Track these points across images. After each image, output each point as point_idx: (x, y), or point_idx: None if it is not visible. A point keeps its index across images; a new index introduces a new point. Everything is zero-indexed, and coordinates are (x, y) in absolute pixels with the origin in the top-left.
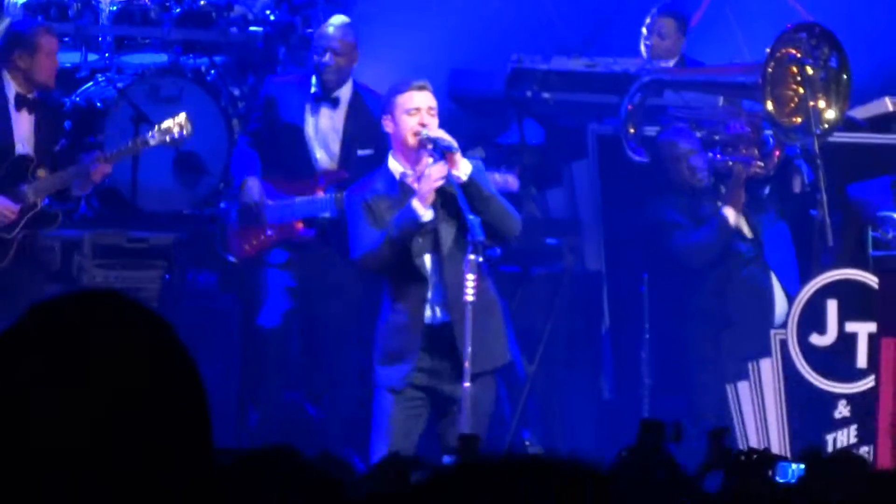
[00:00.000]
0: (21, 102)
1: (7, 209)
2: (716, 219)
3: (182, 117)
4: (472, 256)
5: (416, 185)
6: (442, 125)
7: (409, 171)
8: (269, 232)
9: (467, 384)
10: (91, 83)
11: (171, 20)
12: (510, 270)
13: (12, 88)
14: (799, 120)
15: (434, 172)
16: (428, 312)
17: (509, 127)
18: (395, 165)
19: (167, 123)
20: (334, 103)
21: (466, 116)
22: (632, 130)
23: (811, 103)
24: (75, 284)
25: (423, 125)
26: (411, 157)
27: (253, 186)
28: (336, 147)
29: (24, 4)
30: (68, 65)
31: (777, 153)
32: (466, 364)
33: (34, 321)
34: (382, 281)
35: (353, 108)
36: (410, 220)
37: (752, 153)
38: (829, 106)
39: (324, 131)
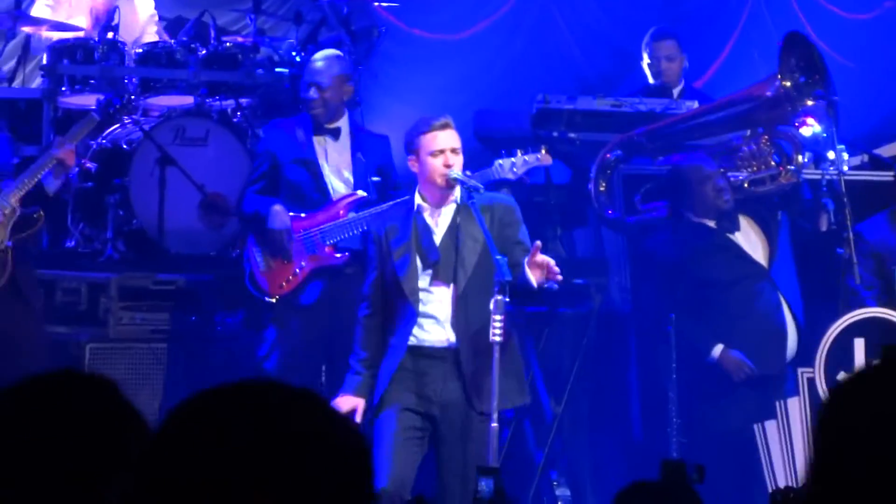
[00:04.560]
0: None
1: None
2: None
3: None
4: (498, 297)
5: (429, 220)
6: (468, 165)
7: (426, 205)
8: (302, 264)
9: (494, 424)
10: (117, 125)
11: (197, 62)
12: (537, 310)
13: None
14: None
15: None
16: (440, 336)
17: (535, 167)
18: (418, 199)
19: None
20: (335, 135)
21: (492, 156)
22: (602, 188)
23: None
24: (102, 326)
25: (448, 166)
26: (436, 195)
27: (281, 212)
28: (348, 174)
29: (49, 47)
30: (94, 107)
31: (792, 166)
32: (495, 403)
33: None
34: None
35: (354, 139)
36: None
37: (768, 170)
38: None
39: (334, 161)
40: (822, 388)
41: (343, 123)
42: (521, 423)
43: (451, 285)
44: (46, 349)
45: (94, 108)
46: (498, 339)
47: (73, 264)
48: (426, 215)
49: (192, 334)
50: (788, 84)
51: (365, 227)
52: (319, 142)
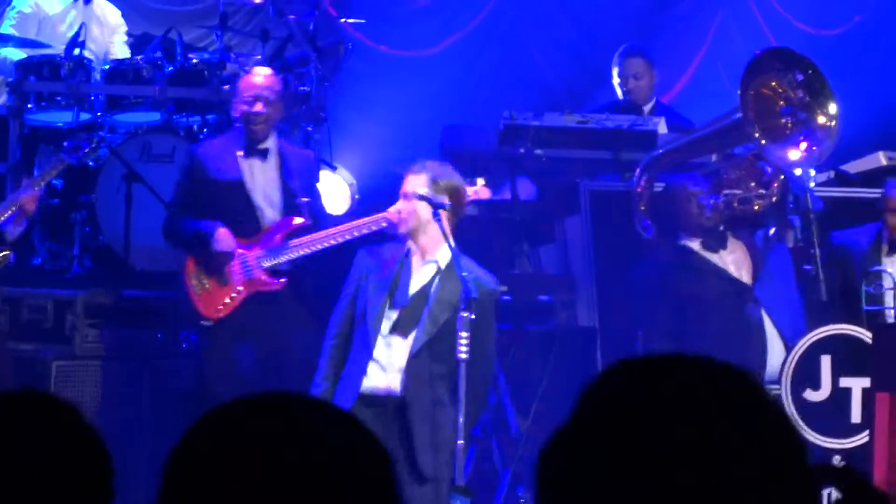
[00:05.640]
0: None
1: None
2: None
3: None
4: (464, 313)
5: (414, 267)
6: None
7: (416, 250)
8: (239, 289)
9: (461, 441)
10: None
11: (164, 79)
12: (503, 327)
13: None
14: (801, 148)
15: None
16: (381, 382)
17: (502, 183)
18: (410, 243)
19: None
20: (264, 155)
21: (459, 172)
22: (643, 209)
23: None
24: (68, 344)
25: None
26: (416, 241)
27: (228, 235)
28: (277, 197)
29: (16, 63)
30: (60, 124)
31: (776, 184)
32: (461, 419)
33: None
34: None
35: (283, 158)
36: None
37: (752, 190)
38: (823, 115)
39: (262, 184)
40: (788, 405)
41: (272, 144)
42: (487, 440)
43: (409, 339)
44: (11, 373)
45: (64, 151)
46: (464, 356)
47: (40, 281)
48: (414, 259)
49: (158, 351)
50: (772, 82)
51: (303, 255)
52: (248, 164)
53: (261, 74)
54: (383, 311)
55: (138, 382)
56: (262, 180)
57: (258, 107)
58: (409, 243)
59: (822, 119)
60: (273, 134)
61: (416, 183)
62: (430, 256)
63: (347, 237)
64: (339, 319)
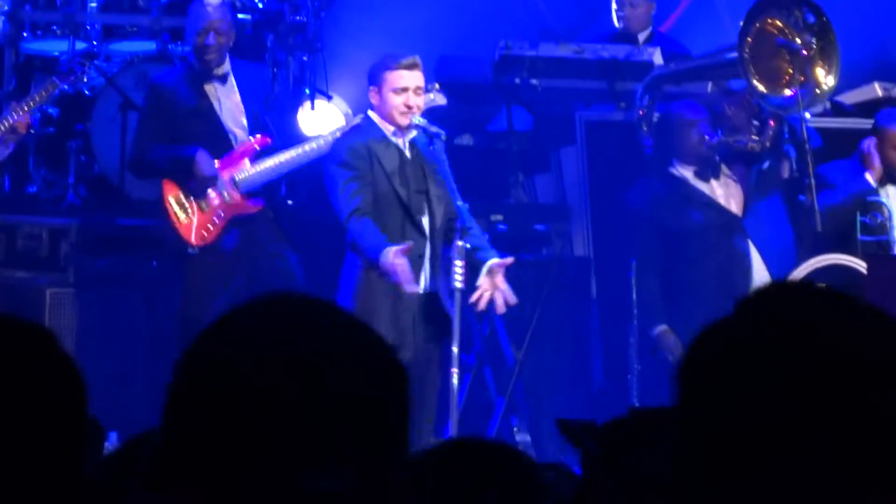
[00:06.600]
0: None
1: None
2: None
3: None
4: (459, 242)
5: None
6: (429, 112)
7: (387, 126)
8: (220, 213)
9: (455, 370)
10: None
11: (160, 8)
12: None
13: None
14: (790, 91)
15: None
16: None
17: (497, 113)
18: (382, 123)
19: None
20: (223, 80)
21: (454, 103)
22: (645, 129)
23: (801, 77)
24: (63, 272)
25: (409, 106)
26: (395, 125)
27: (208, 158)
28: (243, 118)
29: None
30: (56, 53)
31: (772, 123)
32: (454, 349)
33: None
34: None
35: (240, 79)
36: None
37: (749, 125)
38: (823, 68)
39: (229, 107)
40: None
41: (227, 67)
42: (481, 370)
43: (426, 217)
44: None
45: (56, 74)
46: (459, 285)
47: (35, 209)
48: (393, 140)
49: (153, 279)
50: (778, 22)
51: (276, 174)
52: (210, 90)
53: (211, 4)
54: (395, 199)
55: (133, 310)
56: (227, 104)
57: (210, 38)
58: (379, 122)
59: (820, 72)
60: (227, 58)
61: (418, 77)
62: (405, 131)
63: (315, 151)
64: (363, 205)
